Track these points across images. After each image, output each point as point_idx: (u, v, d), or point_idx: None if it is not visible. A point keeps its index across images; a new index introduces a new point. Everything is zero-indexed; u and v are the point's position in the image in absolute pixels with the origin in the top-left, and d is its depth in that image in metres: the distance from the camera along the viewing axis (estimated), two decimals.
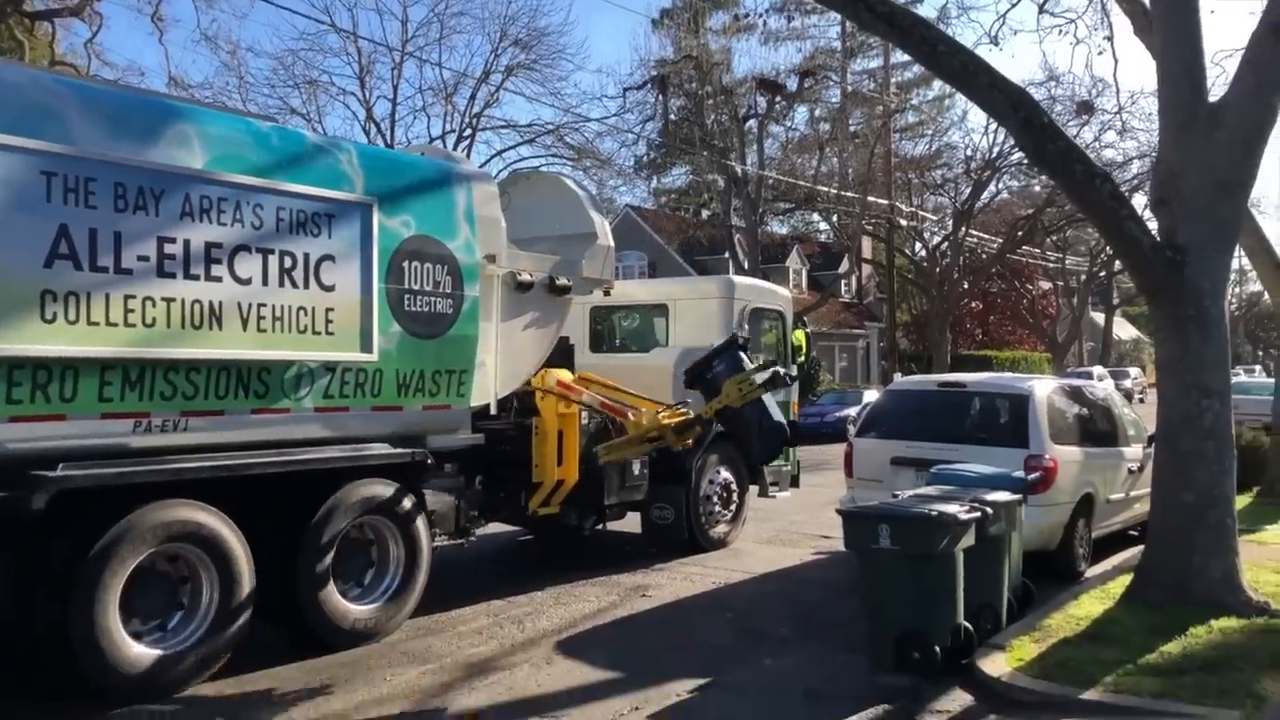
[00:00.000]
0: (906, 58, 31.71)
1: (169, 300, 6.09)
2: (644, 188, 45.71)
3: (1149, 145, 31.27)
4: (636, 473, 10.13)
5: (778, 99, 35.06)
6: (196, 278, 6.23)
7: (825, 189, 36.18)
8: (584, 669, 6.88)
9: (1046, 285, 55.62)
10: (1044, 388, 9.80)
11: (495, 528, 10.47)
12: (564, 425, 9.32)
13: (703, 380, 9.94)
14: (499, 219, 8.53)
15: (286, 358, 6.75)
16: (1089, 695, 5.94)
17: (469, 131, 33.20)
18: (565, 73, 70.76)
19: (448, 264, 7.83)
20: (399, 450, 7.46)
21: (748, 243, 34.49)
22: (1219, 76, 10.91)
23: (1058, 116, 27.54)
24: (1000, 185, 41.87)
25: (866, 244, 44.10)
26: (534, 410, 9.29)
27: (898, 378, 18.55)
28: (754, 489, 11.75)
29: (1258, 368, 55.90)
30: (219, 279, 6.35)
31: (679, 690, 6.39)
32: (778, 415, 10.14)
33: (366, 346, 7.17)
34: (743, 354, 9.97)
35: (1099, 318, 62.27)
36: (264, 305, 6.58)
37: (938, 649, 6.35)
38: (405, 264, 7.50)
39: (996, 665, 6.51)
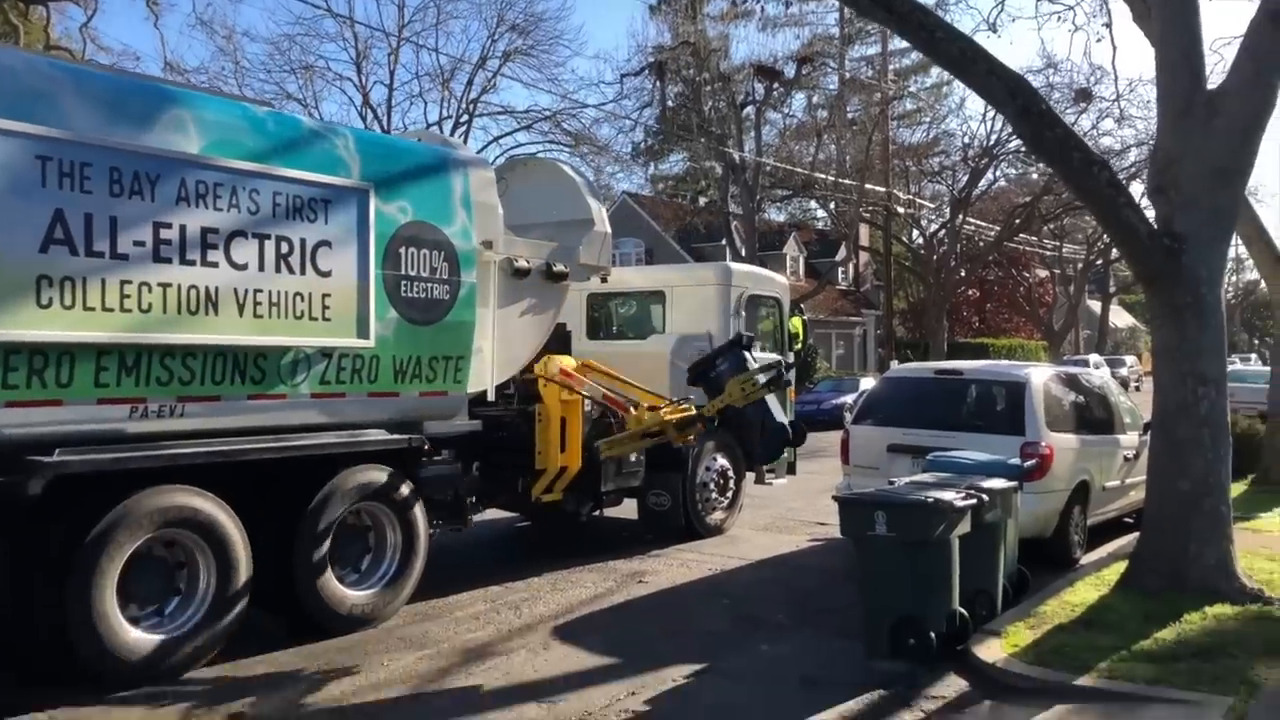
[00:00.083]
0: (905, 45, 31.68)
1: (165, 285, 6.08)
2: (641, 174, 45.77)
3: (1147, 133, 31.29)
4: (633, 460, 10.13)
5: (775, 85, 35.04)
6: (193, 263, 6.22)
7: (823, 176, 36.16)
8: (581, 654, 6.90)
9: (1043, 273, 55.66)
10: (1040, 375, 9.81)
11: (492, 514, 10.48)
12: (567, 412, 9.32)
13: (706, 378, 9.90)
14: (496, 205, 8.51)
15: (283, 343, 6.74)
16: (1083, 681, 5.97)
17: (466, 117, 33.18)
18: (562, 58, 70.90)
19: (444, 250, 7.82)
20: (396, 436, 7.47)
21: (745, 229, 34.49)
22: (1217, 64, 10.93)
23: (1055, 104, 27.57)
24: (998, 173, 41.93)
25: (864, 231, 44.05)
26: (537, 397, 9.30)
27: (894, 365, 18.57)
28: (751, 476, 11.77)
29: (1254, 356, 55.91)
30: (215, 264, 6.34)
31: (675, 676, 6.41)
32: (780, 416, 10.10)
33: (363, 332, 7.17)
34: (747, 353, 9.91)
35: (1095, 306, 62.35)
36: (260, 291, 6.57)
37: (933, 635, 6.36)
38: (402, 250, 7.49)
39: (992, 651, 6.54)
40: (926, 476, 7.44)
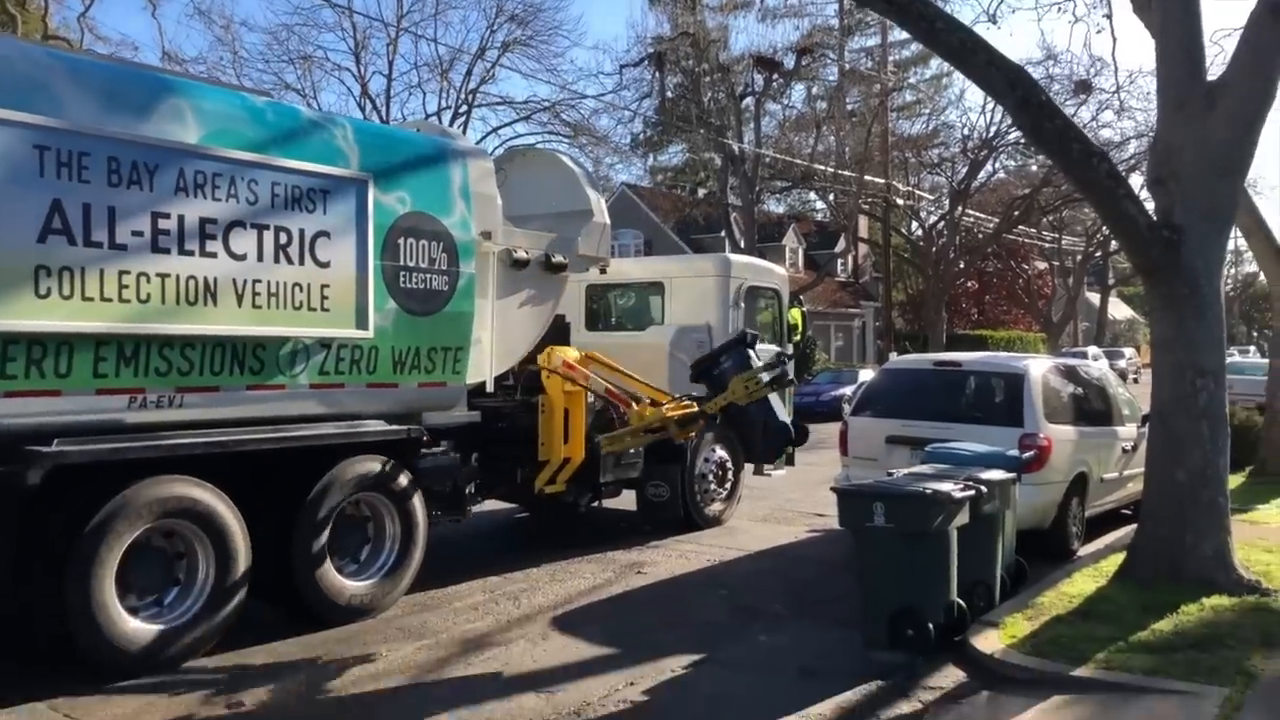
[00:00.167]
0: (904, 36, 31.63)
1: (164, 276, 6.07)
2: (640, 165, 45.64)
3: (1146, 125, 31.26)
4: (632, 451, 10.14)
5: (775, 77, 34.96)
6: (191, 253, 6.21)
7: (822, 168, 36.11)
8: (579, 645, 6.92)
9: (1042, 265, 55.64)
10: (1039, 367, 9.81)
11: (491, 505, 10.49)
12: (570, 404, 9.32)
13: (709, 376, 9.88)
14: (495, 196, 8.50)
15: (282, 334, 6.74)
16: (1081, 672, 5.98)
17: (465, 108, 33.16)
18: (561, 49, 70.72)
19: (443, 241, 7.81)
20: (394, 427, 7.47)
21: (744, 221, 34.45)
22: (1217, 56, 10.88)
23: (1055, 95, 27.47)
24: (997, 165, 41.81)
25: (863, 223, 44.01)
26: (540, 388, 9.30)
27: (893, 357, 18.58)
28: (749, 467, 11.77)
29: (1252, 348, 55.98)
30: (214, 255, 6.33)
31: (674, 666, 6.42)
32: (783, 415, 10.10)
33: (362, 323, 7.16)
34: (751, 352, 9.89)
35: (1094, 298, 62.33)
36: (259, 281, 6.56)
37: (931, 626, 6.38)
38: (401, 240, 7.48)
39: (989, 642, 6.55)
40: (925, 468, 7.45)
